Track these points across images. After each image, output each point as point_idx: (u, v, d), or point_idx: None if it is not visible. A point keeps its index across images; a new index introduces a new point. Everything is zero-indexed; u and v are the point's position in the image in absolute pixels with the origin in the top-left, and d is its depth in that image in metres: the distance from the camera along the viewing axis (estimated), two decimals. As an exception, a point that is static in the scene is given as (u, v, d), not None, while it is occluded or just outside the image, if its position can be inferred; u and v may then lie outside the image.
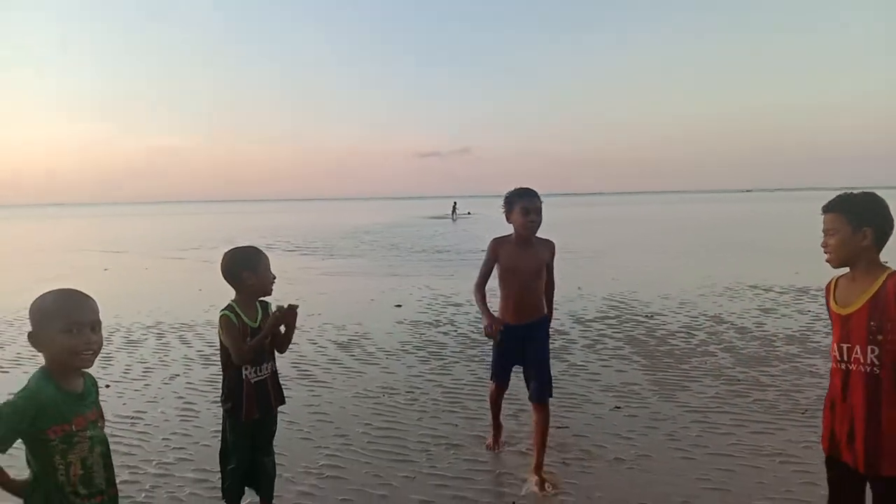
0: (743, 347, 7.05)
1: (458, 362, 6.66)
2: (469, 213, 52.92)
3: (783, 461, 4.08)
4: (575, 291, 11.12)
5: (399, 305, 10.22)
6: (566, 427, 4.74)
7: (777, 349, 6.92)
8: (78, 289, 2.15)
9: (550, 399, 3.90)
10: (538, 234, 3.91)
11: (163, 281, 14.44)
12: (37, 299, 2.07)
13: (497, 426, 4.47)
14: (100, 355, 2.27)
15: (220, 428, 3.39)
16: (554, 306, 4.21)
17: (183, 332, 8.40)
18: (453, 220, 46.93)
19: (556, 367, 6.30)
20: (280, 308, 3.16)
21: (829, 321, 2.56)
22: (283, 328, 3.25)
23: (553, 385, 3.96)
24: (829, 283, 2.57)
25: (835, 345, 2.46)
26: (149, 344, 7.79)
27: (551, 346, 4.00)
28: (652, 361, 6.51)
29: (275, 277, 3.27)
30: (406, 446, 4.47)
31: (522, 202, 3.80)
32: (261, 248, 3.30)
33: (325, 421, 5.00)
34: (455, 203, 56.35)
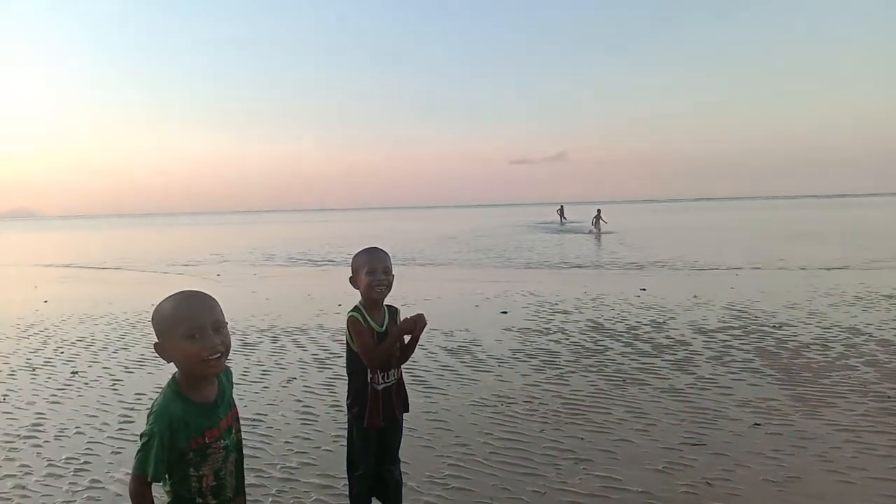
0: (888, 361, 6.42)
1: (574, 372, 6.39)
2: (601, 220, 35.36)
3: (962, 491, 3.61)
4: (690, 300, 10.60)
5: (505, 312, 10.03)
6: (703, 444, 4.40)
7: (930, 364, 6.27)
8: (196, 289, 2.06)
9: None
10: None
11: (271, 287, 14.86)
12: (157, 307, 1.99)
13: None
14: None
15: (340, 433, 3.32)
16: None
17: (296, 336, 8.53)
18: (562, 225, 40.44)
19: (682, 380, 5.94)
20: (411, 317, 2.99)
21: None
22: (406, 338, 3.12)
23: None
24: None
25: None
26: (264, 347, 7.95)
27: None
28: (788, 375, 6.02)
29: (382, 281, 3.03)
30: (531, 458, 4.26)
31: None
32: (371, 249, 3.11)
33: (443, 429, 4.87)
34: (562, 209, 45.96)
